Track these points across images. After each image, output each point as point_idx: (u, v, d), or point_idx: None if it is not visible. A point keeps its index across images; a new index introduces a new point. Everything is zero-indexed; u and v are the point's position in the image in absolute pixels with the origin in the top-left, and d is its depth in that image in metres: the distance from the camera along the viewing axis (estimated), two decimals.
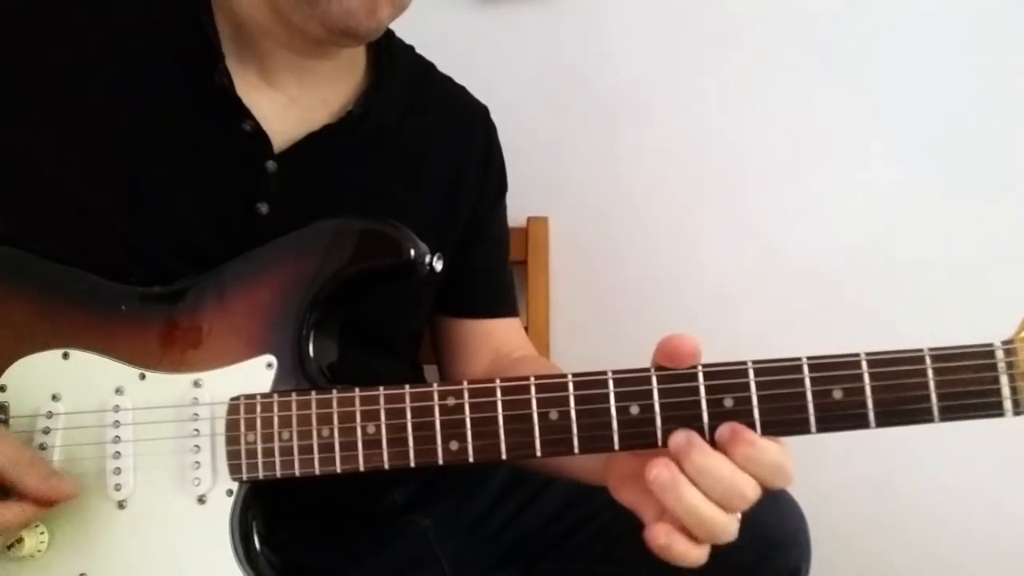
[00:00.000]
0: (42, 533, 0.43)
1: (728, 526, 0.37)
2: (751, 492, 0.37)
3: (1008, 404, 0.37)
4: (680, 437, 0.38)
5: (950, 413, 0.37)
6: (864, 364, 0.38)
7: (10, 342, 0.45)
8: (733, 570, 0.49)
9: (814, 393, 0.38)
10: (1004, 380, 0.37)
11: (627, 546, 0.54)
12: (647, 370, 0.39)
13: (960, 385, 0.37)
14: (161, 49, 0.49)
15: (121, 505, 0.43)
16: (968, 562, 0.81)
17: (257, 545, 0.44)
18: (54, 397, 0.44)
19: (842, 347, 0.39)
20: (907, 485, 0.81)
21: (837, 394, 0.38)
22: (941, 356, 0.37)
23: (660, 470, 0.37)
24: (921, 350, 0.38)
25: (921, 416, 0.37)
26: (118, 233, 0.47)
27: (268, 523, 0.45)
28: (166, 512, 0.43)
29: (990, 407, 0.37)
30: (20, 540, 0.42)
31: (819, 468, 0.78)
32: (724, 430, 0.37)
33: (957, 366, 0.37)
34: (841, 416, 0.38)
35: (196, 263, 0.46)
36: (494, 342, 0.63)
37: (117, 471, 0.43)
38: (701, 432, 0.38)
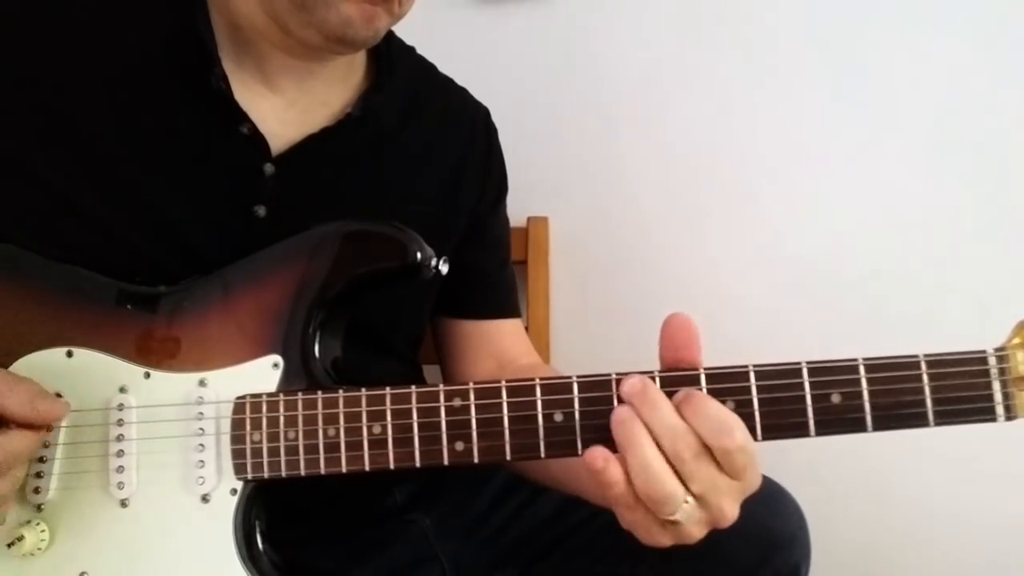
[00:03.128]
0: (43, 531, 0.42)
1: (674, 495, 0.36)
2: (692, 441, 0.36)
3: (1000, 410, 0.38)
4: (635, 380, 0.38)
5: (944, 418, 0.38)
6: (862, 369, 0.38)
7: (13, 340, 0.44)
8: (734, 569, 0.50)
9: (813, 397, 0.38)
10: (996, 386, 0.38)
11: (627, 546, 0.55)
12: (650, 373, 0.40)
13: (954, 391, 0.38)
14: (158, 51, 0.49)
15: (124, 503, 0.43)
16: (967, 563, 0.82)
17: (260, 544, 0.44)
18: (58, 395, 0.44)
19: (840, 347, 0.40)
20: (906, 486, 0.82)
21: (835, 398, 0.38)
22: (936, 362, 0.38)
23: (621, 409, 0.38)
24: (917, 356, 0.38)
25: (916, 421, 0.38)
26: (116, 236, 0.47)
27: (270, 522, 0.45)
28: (169, 511, 0.43)
29: (983, 412, 0.38)
30: (21, 538, 0.42)
31: (819, 469, 0.79)
32: (680, 392, 0.38)
33: (951, 372, 0.38)
34: (839, 420, 0.38)
35: (194, 266, 0.46)
36: (496, 344, 0.63)
37: (120, 469, 0.43)
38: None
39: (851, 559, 0.83)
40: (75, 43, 0.48)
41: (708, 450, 0.36)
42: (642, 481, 0.36)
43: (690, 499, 0.37)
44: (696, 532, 0.38)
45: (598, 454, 0.37)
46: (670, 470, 0.36)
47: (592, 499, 0.48)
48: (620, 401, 0.39)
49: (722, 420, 0.36)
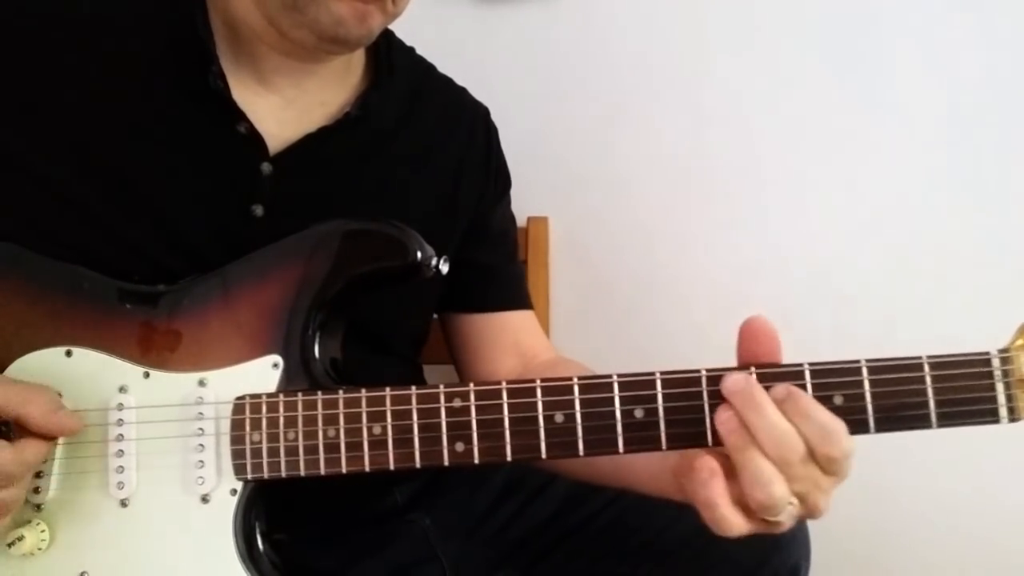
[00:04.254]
0: (43, 531, 0.42)
1: (783, 500, 0.36)
2: (800, 447, 0.36)
3: (1004, 411, 0.38)
4: (738, 378, 0.37)
5: (947, 420, 0.38)
6: (864, 371, 0.38)
7: (12, 339, 0.44)
8: (734, 569, 0.50)
9: (815, 398, 0.38)
10: (1000, 388, 0.38)
11: (627, 546, 0.55)
12: (652, 374, 0.40)
13: (957, 392, 0.38)
14: (156, 50, 0.49)
15: (123, 504, 0.43)
16: (967, 563, 0.82)
17: (260, 544, 0.44)
18: (57, 395, 0.43)
19: (840, 346, 0.40)
20: (906, 486, 0.82)
21: (838, 400, 0.38)
22: (939, 364, 0.38)
23: (728, 415, 0.37)
24: (920, 357, 0.38)
25: (919, 422, 0.38)
26: (114, 235, 0.47)
27: (270, 523, 0.45)
28: (169, 511, 0.43)
29: (986, 414, 0.38)
30: (21, 537, 0.41)
31: None
32: (780, 389, 0.37)
33: (955, 373, 0.38)
34: (842, 421, 0.38)
35: (192, 265, 0.46)
36: (513, 336, 0.62)
37: (120, 469, 0.43)
38: (703, 437, 0.39)
39: (851, 559, 0.83)
40: (74, 41, 0.48)
41: (812, 452, 0.36)
42: (755, 490, 0.36)
43: (794, 500, 0.37)
44: (787, 524, 0.38)
45: (706, 465, 0.37)
46: (781, 476, 0.36)
47: (656, 493, 0.46)
48: (719, 398, 0.38)
49: (829, 426, 0.36)
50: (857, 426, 0.38)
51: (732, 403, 0.37)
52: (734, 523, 0.37)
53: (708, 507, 0.37)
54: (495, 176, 0.64)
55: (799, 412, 0.36)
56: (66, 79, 0.48)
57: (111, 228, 0.47)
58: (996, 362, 0.38)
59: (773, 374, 0.39)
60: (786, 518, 0.37)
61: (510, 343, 0.62)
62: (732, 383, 0.38)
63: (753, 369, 0.39)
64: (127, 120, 0.48)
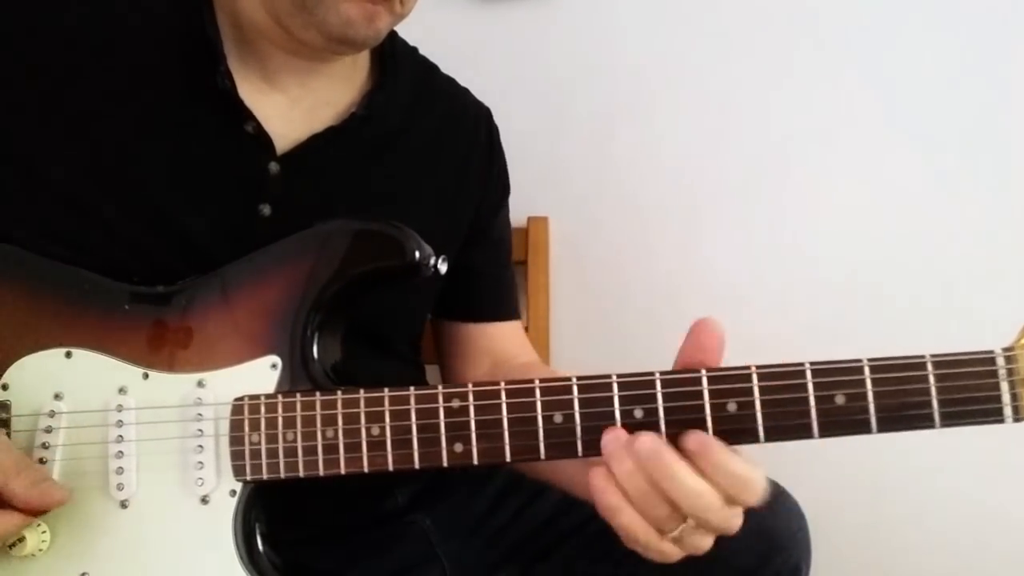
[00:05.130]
0: (44, 532, 0.42)
1: (672, 518, 0.36)
2: (713, 501, 0.36)
3: (1008, 411, 0.37)
4: (646, 442, 0.36)
5: (951, 419, 0.37)
6: (867, 370, 0.38)
7: (12, 340, 0.44)
8: (734, 569, 0.50)
9: (817, 398, 0.38)
10: (1005, 387, 0.37)
11: (627, 547, 0.54)
12: (651, 374, 0.40)
13: (961, 392, 0.37)
14: (163, 50, 0.49)
15: (123, 505, 0.43)
16: (966, 563, 0.81)
17: (259, 545, 0.44)
18: (57, 396, 0.44)
19: (841, 347, 0.40)
20: (906, 486, 0.82)
21: (840, 399, 0.38)
22: (942, 362, 0.38)
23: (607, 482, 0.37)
24: (923, 356, 0.38)
25: (922, 422, 0.38)
26: (120, 234, 0.47)
27: (270, 523, 0.45)
28: (169, 512, 0.43)
29: (991, 414, 0.37)
30: (22, 539, 0.41)
31: (819, 469, 0.78)
32: (691, 441, 0.37)
33: (958, 372, 0.37)
34: (843, 422, 0.38)
35: (198, 264, 0.46)
36: (494, 346, 0.63)
37: (120, 471, 0.43)
38: None
39: (851, 559, 0.82)
40: (80, 41, 0.48)
41: (730, 500, 0.36)
42: (647, 511, 0.36)
43: (691, 520, 0.37)
44: (703, 544, 0.38)
45: (600, 474, 0.37)
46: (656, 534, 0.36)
47: (583, 496, 0.47)
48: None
49: (745, 479, 0.36)
50: (859, 426, 0.38)
51: (643, 467, 0.36)
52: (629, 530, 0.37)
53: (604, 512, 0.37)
54: (496, 180, 0.64)
55: (713, 466, 0.36)
56: (71, 78, 0.48)
57: (116, 227, 0.47)
58: (1000, 361, 0.37)
59: (774, 373, 0.39)
60: (685, 534, 0.37)
61: (491, 352, 0.63)
62: (640, 444, 0.36)
63: (754, 368, 0.39)
64: (133, 120, 0.48)
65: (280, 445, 0.42)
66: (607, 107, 0.84)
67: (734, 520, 0.37)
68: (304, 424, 0.42)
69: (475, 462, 0.40)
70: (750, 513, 0.38)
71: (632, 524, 0.37)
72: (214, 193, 0.49)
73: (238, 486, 0.43)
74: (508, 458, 0.40)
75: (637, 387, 0.39)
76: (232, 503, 0.43)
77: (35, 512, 0.40)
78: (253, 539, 0.43)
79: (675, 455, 0.36)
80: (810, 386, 0.38)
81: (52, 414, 0.44)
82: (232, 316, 0.45)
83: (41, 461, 0.43)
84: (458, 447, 0.41)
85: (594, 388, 0.40)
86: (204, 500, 0.43)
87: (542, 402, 0.40)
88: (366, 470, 0.41)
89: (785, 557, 0.51)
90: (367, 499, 0.57)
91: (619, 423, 0.39)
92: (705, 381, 0.39)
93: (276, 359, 0.44)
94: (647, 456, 0.36)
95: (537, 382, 0.40)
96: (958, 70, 0.79)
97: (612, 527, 0.39)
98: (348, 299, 0.46)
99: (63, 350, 0.44)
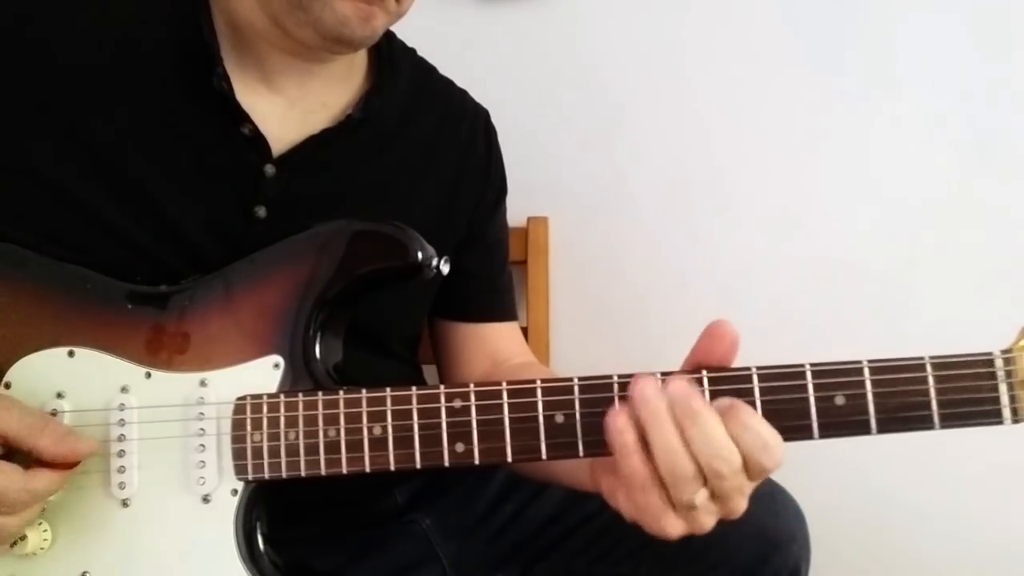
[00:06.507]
0: (45, 531, 0.42)
1: (698, 476, 0.35)
2: (733, 458, 0.35)
3: (1007, 412, 0.38)
4: (680, 385, 0.36)
5: (950, 421, 0.38)
6: (866, 371, 0.38)
7: (15, 339, 0.44)
8: (734, 569, 0.50)
9: (817, 399, 0.38)
10: (1003, 389, 0.38)
11: (627, 546, 0.55)
12: (652, 374, 0.40)
13: (960, 393, 0.38)
14: (160, 51, 0.49)
15: (125, 504, 0.43)
16: (965, 563, 0.82)
17: (260, 544, 0.44)
18: (59, 395, 0.44)
19: (841, 347, 0.40)
20: (906, 485, 0.82)
21: (839, 400, 0.38)
22: (942, 364, 0.38)
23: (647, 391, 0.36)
24: (922, 358, 0.38)
25: (921, 423, 0.38)
26: (117, 235, 0.47)
27: (271, 523, 0.45)
28: (170, 511, 0.43)
29: (989, 415, 0.38)
30: (23, 537, 0.42)
31: (818, 469, 0.79)
32: (724, 401, 0.37)
33: (957, 374, 0.38)
34: (843, 422, 0.38)
35: (195, 266, 0.46)
36: (491, 347, 0.63)
37: (121, 470, 0.43)
38: None
39: (851, 559, 0.83)
40: (78, 43, 0.48)
41: (747, 462, 0.36)
42: (666, 459, 0.35)
43: (705, 489, 0.36)
44: (708, 522, 0.37)
45: (620, 416, 0.36)
46: (693, 462, 0.35)
47: (588, 488, 0.46)
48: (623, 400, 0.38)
49: (769, 440, 0.36)
50: (859, 427, 0.38)
51: (672, 406, 0.36)
52: (641, 500, 0.36)
53: (622, 459, 0.36)
54: (493, 182, 0.64)
55: (741, 423, 0.36)
56: (69, 80, 0.48)
57: (114, 229, 0.47)
58: (999, 363, 0.38)
59: (774, 374, 0.39)
60: (701, 502, 0.36)
61: (488, 353, 0.63)
62: (674, 388, 0.36)
63: (754, 369, 0.39)
64: (132, 121, 0.48)
65: (282, 444, 0.42)
66: (607, 107, 0.84)
67: (741, 498, 0.37)
68: (306, 423, 0.42)
69: (476, 462, 0.41)
70: (750, 513, 0.38)
71: (641, 468, 0.36)
72: (210, 194, 0.49)
73: (239, 485, 0.43)
74: (510, 458, 0.40)
75: None
76: (233, 502, 0.43)
77: (66, 467, 0.41)
78: (254, 538, 0.44)
79: (705, 402, 0.36)
80: (810, 387, 0.38)
81: (54, 413, 0.44)
82: (234, 316, 0.45)
83: None
84: (460, 447, 0.41)
85: (595, 388, 0.40)
86: (205, 499, 0.43)
87: (544, 402, 0.40)
88: (368, 470, 0.42)
89: (785, 557, 0.51)
90: (367, 499, 0.57)
91: None
92: (706, 382, 0.39)
93: (278, 358, 0.44)
94: (678, 397, 0.36)
95: (539, 382, 0.40)
96: (959, 70, 0.79)
97: (613, 504, 0.38)
98: (351, 299, 0.46)
99: (65, 349, 0.44)
